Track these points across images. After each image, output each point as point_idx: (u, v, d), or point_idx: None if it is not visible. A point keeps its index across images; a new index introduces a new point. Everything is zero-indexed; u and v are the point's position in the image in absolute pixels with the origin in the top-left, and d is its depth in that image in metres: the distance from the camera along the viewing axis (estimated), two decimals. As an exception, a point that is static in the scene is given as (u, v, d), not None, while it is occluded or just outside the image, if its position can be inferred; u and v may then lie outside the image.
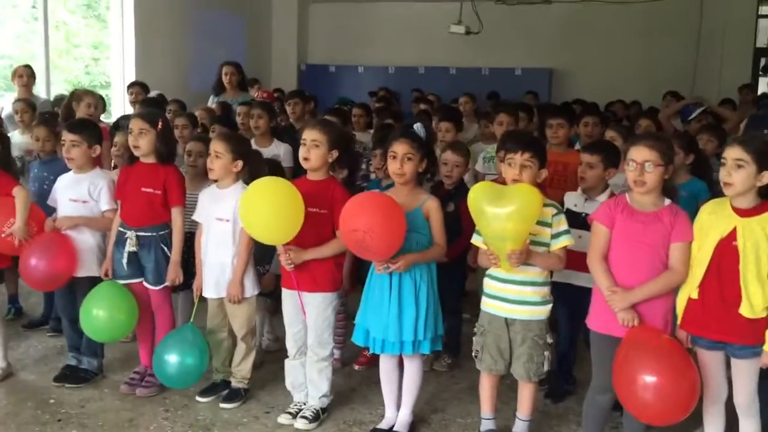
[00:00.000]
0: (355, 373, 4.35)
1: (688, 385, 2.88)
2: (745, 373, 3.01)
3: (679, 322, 3.09)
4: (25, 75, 6.50)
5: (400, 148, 3.41)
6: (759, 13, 10.75)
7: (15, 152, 5.56)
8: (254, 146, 5.11)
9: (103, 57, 9.88)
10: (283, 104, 6.80)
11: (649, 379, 2.85)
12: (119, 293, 3.88)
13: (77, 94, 5.82)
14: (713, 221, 2.99)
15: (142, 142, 3.82)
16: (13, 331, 4.80)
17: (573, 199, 3.94)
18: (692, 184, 4.16)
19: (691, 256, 3.03)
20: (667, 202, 3.09)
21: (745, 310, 2.90)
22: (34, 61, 8.09)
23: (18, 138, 5.70)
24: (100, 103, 5.94)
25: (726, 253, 2.93)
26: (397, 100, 10.45)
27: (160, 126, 3.84)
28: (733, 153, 2.91)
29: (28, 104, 5.85)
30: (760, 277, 2.89)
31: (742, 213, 2.93)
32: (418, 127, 3.54)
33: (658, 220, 3.04)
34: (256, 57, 11.18)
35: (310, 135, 3.54)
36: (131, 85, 7.10)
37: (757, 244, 2.89)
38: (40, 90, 8.00)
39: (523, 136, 3.43)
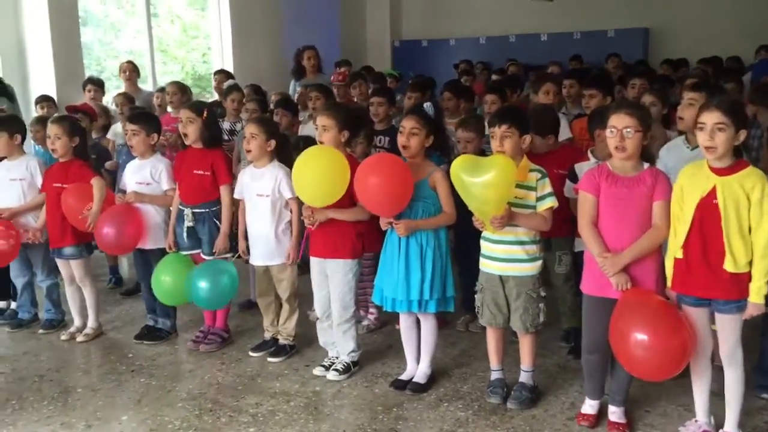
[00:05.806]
0: (395, 332, 4.71)
1: (679, 343, 3.04)
2: (728, 326, 3.11)
3: (669, 284, 3.20)
4: (128, 70, 7.27)
5: (407, 123, 3.74)
6: None
7: (119, 141, 6.36)
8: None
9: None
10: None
11: (643, 337, 3.04)
12: (182, 263, 4.44)
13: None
14: (693, 183, 3.09)
15: (189, 129, 4.36)
16: (111, 298, 5.59)
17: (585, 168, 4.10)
18: None
19: (674, 218, 3.14)
20: (647, 165, 3.23)
21: (729, 266, 3.00)
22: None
23: (120, 128, 6.46)
24: (188, 92, 6.59)
25: (707, 211, 3.02)
26: (488, 69, 10.60)
27: (205, 115, 4.35)
28: (712, 117, 2.98)
29: (126, 98, 6.61)
30: (742, 232, 2.99)
31: (720, 172, 3.02)
32: (427, 106, 3.87)
33: (641, 183, 3.20)
34: (350, 37, 11.48)
35: (320, 121, 3.91)
36: (216, 73, 7.70)
37: (737, 201, 2.98)
38: (149, 83, 8.87)
39: (503, 110, 3.65)
